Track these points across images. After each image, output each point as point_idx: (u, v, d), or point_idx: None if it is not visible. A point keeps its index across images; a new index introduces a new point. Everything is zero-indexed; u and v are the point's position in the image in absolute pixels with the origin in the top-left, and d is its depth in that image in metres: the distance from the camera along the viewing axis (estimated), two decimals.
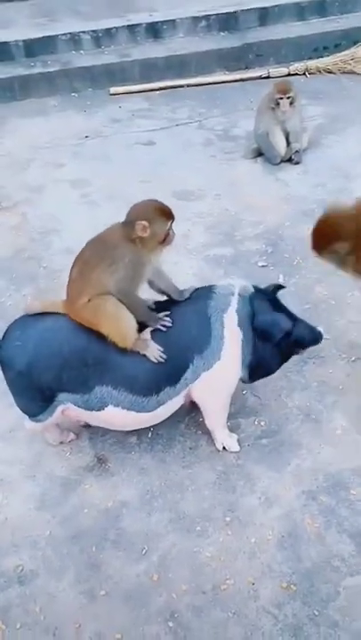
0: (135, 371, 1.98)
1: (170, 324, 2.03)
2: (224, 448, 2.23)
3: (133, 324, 1.97)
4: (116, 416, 2.03)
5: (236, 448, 2.22)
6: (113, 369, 1.97)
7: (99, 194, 3.82)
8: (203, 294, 2.11)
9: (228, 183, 3.87)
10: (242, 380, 2.17)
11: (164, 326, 2.02)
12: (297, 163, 3.98)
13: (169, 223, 1.96)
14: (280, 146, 3.95)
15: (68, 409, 2.05)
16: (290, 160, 4.00)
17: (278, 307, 2.15)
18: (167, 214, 1.96)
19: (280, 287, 2.24)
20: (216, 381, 2.08)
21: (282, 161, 3.99)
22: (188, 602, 1.82)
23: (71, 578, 1.90)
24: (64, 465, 2.23)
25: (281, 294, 2.88)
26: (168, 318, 2.03)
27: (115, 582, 1.88)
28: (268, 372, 2.21)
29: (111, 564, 1.93)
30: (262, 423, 2.34)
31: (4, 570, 1.93)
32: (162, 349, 1.98)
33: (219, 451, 2.24)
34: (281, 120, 3.91)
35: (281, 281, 3.00)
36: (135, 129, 4.63)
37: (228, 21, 5.51)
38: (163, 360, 1.97)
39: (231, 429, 2.28)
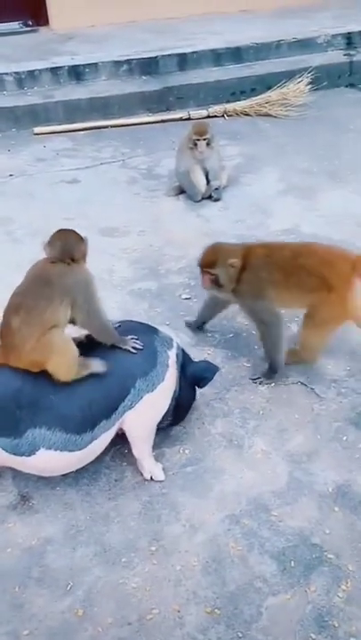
0: (70, 408, 1.98)
1: (140, 347, 2.11)
2: (151, 478, 2.25)
3: (77, 354, 2.01)
4: (48, 459, 2.01)
5: (162, 477, 2.25)
6: (47, 409, 1.96)
7: (22, 231, 3.83)
8: (143, 329, 2.25)
9: (152, 219, 3.98)
10: (161, 425, 2.27)
11: (134, 348, 2.11)
12: (217, 200, 4.14)
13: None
14: (200, 184, 4.10)
15: None
16: (210, 197, 4.16)
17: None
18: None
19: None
20: (154, 404, 2.15)
21: (203, 198, 4.15)
22: (113, 634, 1.80)
23: None
24: None
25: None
26: (138, 340, 2.12)
27: (39, 621, 1.84)
28: (186, 412, 2.41)
29: (35, 602, 1.89)
30: (186, 451, 2.38)
31: None
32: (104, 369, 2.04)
33: (145, 481, 2.25)
34: (200, 159, 4.07)
35: None
36: (60, 167, 4.70)
37: (149, 65, 5.74)
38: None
39: (156, 458, 2.30)
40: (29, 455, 1.98)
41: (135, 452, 2.21)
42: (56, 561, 2.01)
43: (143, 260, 3.60)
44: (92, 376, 2.03)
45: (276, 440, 2.41)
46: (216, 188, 4.15)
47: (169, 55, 5.75)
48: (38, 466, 2.04)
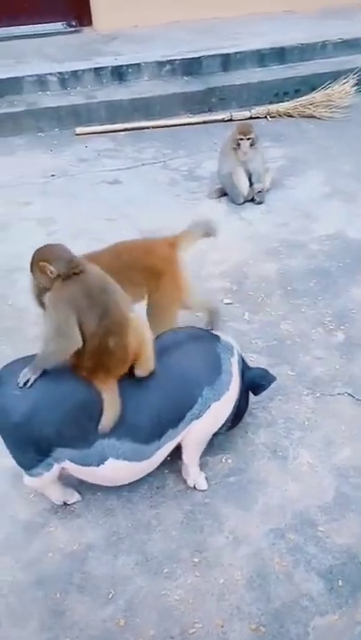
0: (139, 418, 1.95)
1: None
2: (194, 486, 2.21)
3: None
4: (116, 469, 1.98)
5: (205, 486, 2.21)
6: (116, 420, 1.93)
7: (64, 231, 3.82)
8: (206, 336, 2.22)
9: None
10: (220, 430, 2.24)
11: None
12: (260, 202, 4.08)
13: None
14: (243, 186, 4.05)
15: (63, 466, 1.98)
16: (253, 200, 4.10)
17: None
18: None
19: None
20: (218, 413, 2.13)
21: (245, 201, 4.09)
22: None
23: (35, 626, 1.83)
24: (28, 508, 2.18)
25: (247, 330, 2.95)
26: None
27: (80, 629, 1.82)
28: (240, 419, 2.36)
29: (76, 609, 1.88)
30: (229, 461, 2.34)
31: None
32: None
33: (187, 489, 2.22)
34: (243, 161, 4.02)
35: (246, 318, 3.05)
36: (101, 168, 4.70)
37: (191, 66, 5.69)
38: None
39: (199, 467, 2.26)
40: (98, 465, 1.96)
41: (186, 458, 2.18)
42: (97, 568, 1.99)
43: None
44: (160, 385, 1.99)
45: (323, 452, 2.34)
46: (259, 191, 4.08)
47: (212, 56, 5.69)
48: (106, 476, 2.02)
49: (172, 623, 1.83)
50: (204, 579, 1.94)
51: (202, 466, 2.29)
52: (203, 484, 2.21)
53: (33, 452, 1.92)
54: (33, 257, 1.91)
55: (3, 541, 2.07)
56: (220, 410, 2.13)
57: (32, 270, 1.91)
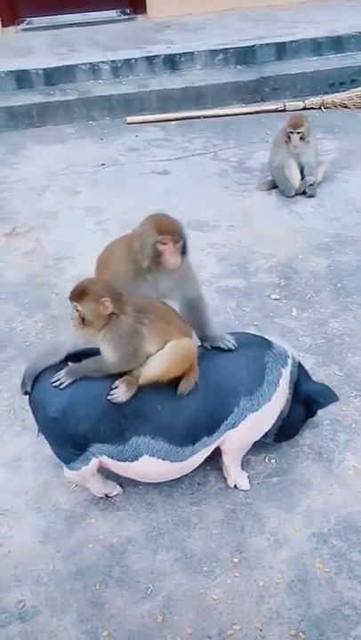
0: (175, 420, 1.95)
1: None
2: (235, 485, 2.19)
3: None
4: (150, 466, 1.98)
5: (247, 486, 2.18)
6: (152, 418, 1.93)
7: (113, 221, 3.83)
8: (256, 342, 2.15)
9: (242, 214, 3.88)
10: (264, 440, 2.20)
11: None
12: (311, 196, 3.99)
13: None
14: (294, 179, 3.96)
15: (101, 460, 1.99)
16: (304, 193, 4.01)
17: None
18: None
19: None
20: (257, 424, 2.07)
21: (296, 194, 4.00)
22: None
23: (74, 616, 1.85)
24: (70, 497, 2.19)
25: (294, 327, 2.88)
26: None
27: (118, 622, 1.83)
28: (295, 433, 2.28)
29: (115, 602, 1.88)
30: (272, 461, 2.30)
31: (5, 605, 1.88)
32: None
33: (229, 488, 2.19)
34: (295, 153, 3.93)
35: (294, 315, 2.99)
36: (151, 158, 4.68)
37: (245, 55, 5.61)
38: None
39: (241, 467, 2.23)
40: (132, 461, 1.97)
41: (226, 459, 2.15)
42: (137, 562, 1.99)
43: (232, 256, 3.51)
44: (199, 391, 1.97)
45: None
46: (311, 184, 3.99)
47: (267, 44, 5.59)
48: (140, 471, 2.03)
49: (210, 623, 1.81)
50: (244, 579, 1.91)
51: (244, 465, 2.25)
52: (245, 485, 2.18)
53: (70, 446, 1.95)
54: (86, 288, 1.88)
55: (44, 530, 2.09)
56: (258, 421, 2.06)
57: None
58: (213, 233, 3.72)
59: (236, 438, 2.07)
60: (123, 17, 6.63)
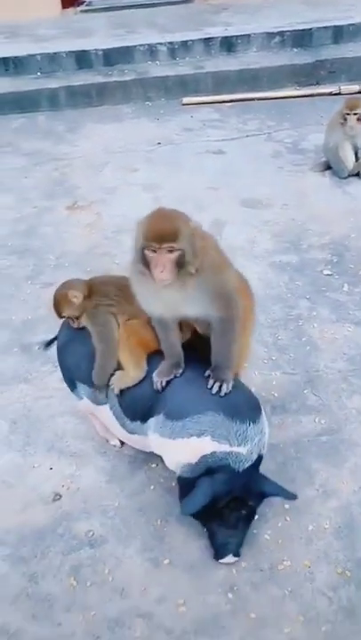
0: (134, 392, 2.01)
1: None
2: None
3: None
4: (108, 418, 2.15)
5: None
6: None
7: (169, 197, 3.98)
8: (244, 405, 1.94)
9: (296, 194, 3.99)
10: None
11: None
12: None
13: None
14: (349, 160, 4.04)
15: (84, 403, 2.19)
16: (357, 175, 4.08)
17: None
18: None
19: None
20: (163, 448, 2.01)
21: (350, 175, 4.08)
22: (246, 577, 1.93)
23: (138, 546, 2.03)
24: None
25: (345, 301, 2.98)
26: None
27: (178, 553, 2.01)
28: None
29: (175, 537, 2.06)
30: (322, 422, 2.43)
31: (76, 533, 2.08)
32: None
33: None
34: (351, 135, 4.00)
35: (345, 289, 3.10)
36: (206, 138, 4.81)
37: (302, 38, 5.66)
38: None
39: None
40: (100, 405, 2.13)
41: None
42: None
43: (285, 233, 3.63)
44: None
45: None
46: None
47: (324, 27, 5.63)
48: (105, 420, 2.21)
49: (261, 559, 1.98)
50: (294, 523, 2.07)
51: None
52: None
53: (67, 380, 2.22)
54: None
55: (110, 471, 2.28)
56: (163, 446, 1.97)
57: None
58: (267, 211, 3.84)
59: (153, 444, 2.03)
60: None
